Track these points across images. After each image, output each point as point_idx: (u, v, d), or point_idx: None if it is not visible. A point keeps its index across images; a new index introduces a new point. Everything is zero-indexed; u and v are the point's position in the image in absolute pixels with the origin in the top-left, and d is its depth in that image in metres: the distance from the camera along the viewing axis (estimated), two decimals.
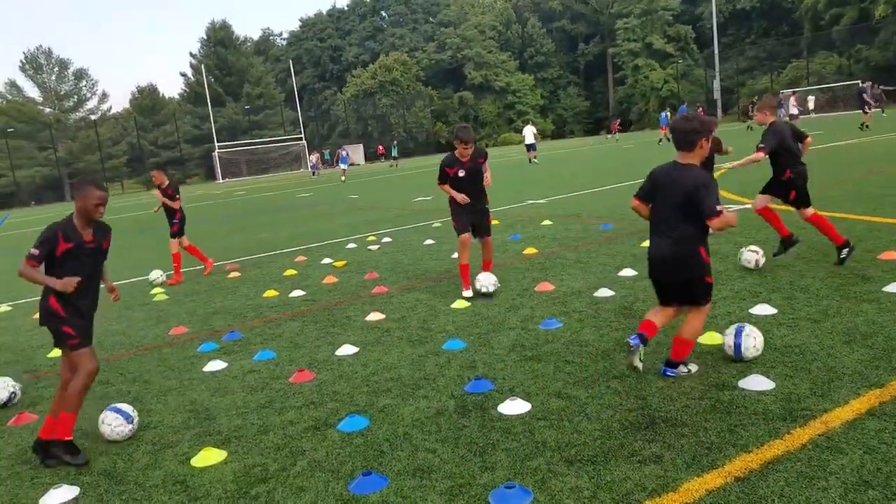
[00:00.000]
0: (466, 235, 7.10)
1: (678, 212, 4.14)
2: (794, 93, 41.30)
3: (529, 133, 33.80)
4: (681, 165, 4.19)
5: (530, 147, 33.04)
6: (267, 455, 3.89)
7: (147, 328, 7.45)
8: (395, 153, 50.83)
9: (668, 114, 41.73)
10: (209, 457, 3.89)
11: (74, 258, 4.16)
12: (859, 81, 36.89)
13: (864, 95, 29.02)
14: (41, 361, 6.57)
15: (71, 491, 3.69)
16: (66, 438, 4.10)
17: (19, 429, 4.79)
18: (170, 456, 4.04)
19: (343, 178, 36.45)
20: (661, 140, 37.41)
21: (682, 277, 4.25)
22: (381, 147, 62.54)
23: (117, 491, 3.67)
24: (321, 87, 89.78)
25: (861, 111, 29.25)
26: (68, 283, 4.05)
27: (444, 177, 7.08)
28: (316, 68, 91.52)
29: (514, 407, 4.09)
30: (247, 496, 3.44)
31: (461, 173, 6.99)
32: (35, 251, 4.08)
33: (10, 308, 9.64)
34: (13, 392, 5.38)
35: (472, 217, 7.14)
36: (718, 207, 3.96)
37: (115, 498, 3.59)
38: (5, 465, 4.20)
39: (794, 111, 34.16)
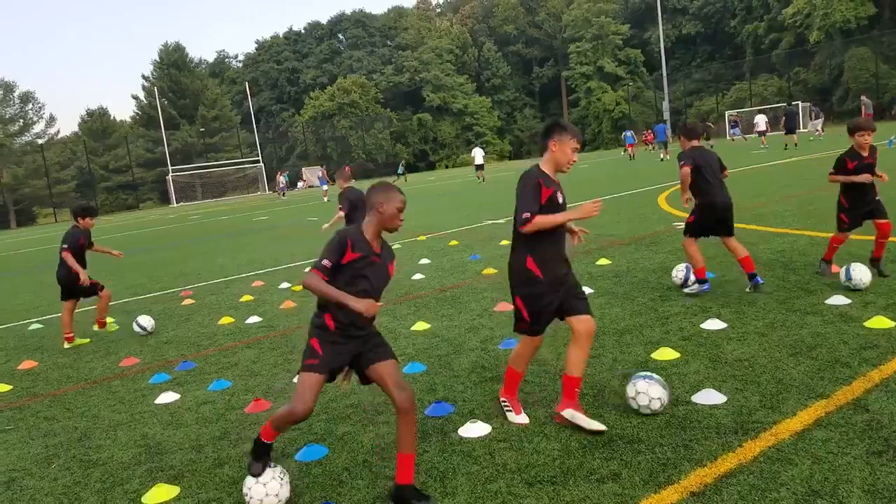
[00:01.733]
0: None
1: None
2: (760, 110, 42.98)
3: (479, 154, 37.19)
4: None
5: (479, 167, 36.26)
6: (222, 489, 3.80)
7: (96, 360, 7.23)
8: (401, 170, 52.22)
9: (632, 133, 43.83)
10: (161, 493, 3.77)
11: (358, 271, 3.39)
12: (785, 104, 38.46)
13: (797, 118, 30.25)
14: None
15: None
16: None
17: None
18: (119, 494, 3.91)
19: (326, 198, 36.54)
20: (630, 155, 38.52)
21: None
22: (347, 167, 62.65)
23: None
24: (279, 109, 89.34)
25: (785, 133, 30.32)
26: (372, 306, 3.25)
27: None
28: (273, 90, 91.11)
29: (474, 430, 4.09)
30: None
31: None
32: (325, 262, 3.30)
33: None
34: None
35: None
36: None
37: None
38: None
39: (763, 128, 35.48)
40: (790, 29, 62.08)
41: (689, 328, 5.60)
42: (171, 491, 3.80)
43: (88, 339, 8.31)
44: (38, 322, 9.92)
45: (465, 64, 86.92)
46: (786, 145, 29.04)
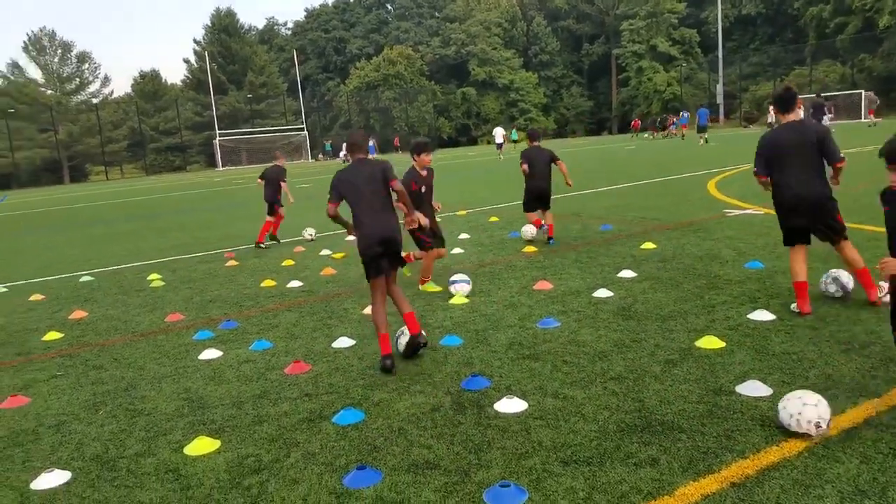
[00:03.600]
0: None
1: None
2: (826, 99, 41.66)
3: (499, 134, 41.79)
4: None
5: (499, 146, 41.11)
6: (261, 446, 3.87)
7: (143, 314, 7.42)
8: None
9: (688, 115, 43.73)
10: (203, 446, 3.87)
11: None
12: (815, 94, 37.27)
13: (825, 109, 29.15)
14: (35, 344, 6.54)
15: (62, 476, 3.67)
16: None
17: (11, 412, 4.76)
18: (163, 444, 4.02)
19: None
20: (673, 137, 37.86)
21: None
22: (397, 139, 62.83)
23: (109, 477, 3.65)
24: (324, 78, 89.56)
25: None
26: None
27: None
28: (320, 59, 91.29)
29: (510, 405, 4.08)
30: (239, 486, 3.42)
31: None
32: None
33: (5, 289, 9.59)
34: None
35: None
36: None
37: (107, 484, 3.57)
38: None
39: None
40: (858, 13, 59.39)
41: (735, 318, 5.47)
42: (213, 444, 3.89)
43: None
44: (88, 275, 10.20)
45: (513, 38, 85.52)
46: None
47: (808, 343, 4.75)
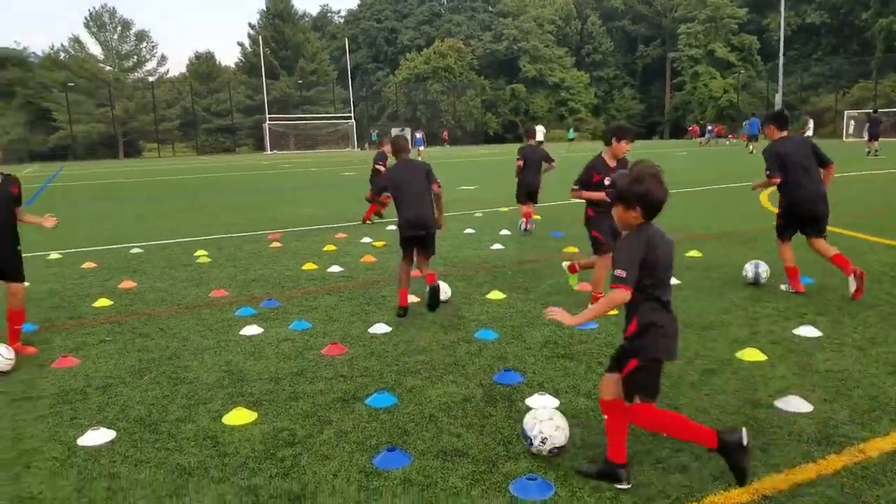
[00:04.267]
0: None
1: None
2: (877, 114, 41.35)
3: (540, 132, 42.37)
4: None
5: (539, 143, 41.41)
6: (295, 421, 3.96)
7: (189, 288, 7.62)
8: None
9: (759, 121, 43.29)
10: (240, 416, 3.98)
11: None
12: (871, 110, 37.14)
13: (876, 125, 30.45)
14: (86, 310, 6.78)
15: (107, 434, 3.82)
16: None
17: (62, 371, 4.96)
18: (203, 412, 4.14)
19: (419, 156, 38.12)
20: (750, 149, 36.98)
21: None
22: (445, 133, 62.90)
23: (151, 439, 3.78)
24: (374, 68, 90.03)
25: (868, 140, 30.65)
26: None
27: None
28: (370, 49, 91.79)
29: (541, 401, 4.09)
30: (273, 458, 3.51)
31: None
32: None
33: (59, 256, 9.94)
34: None
35: None
36: None
37: (149, 446, 3.70)
38: (47, 404, 4.36)
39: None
40: None
41: (779, 332, 5.37)
42: (250, 416, 4.00)
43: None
44: (138, 247, 10.51)
45: (566, 36, 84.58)
46: (868, 151, 29.25)
47: (854, 362, 4.64)
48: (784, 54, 63.24)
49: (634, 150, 7.14)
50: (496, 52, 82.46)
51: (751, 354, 4.81)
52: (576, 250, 9.09)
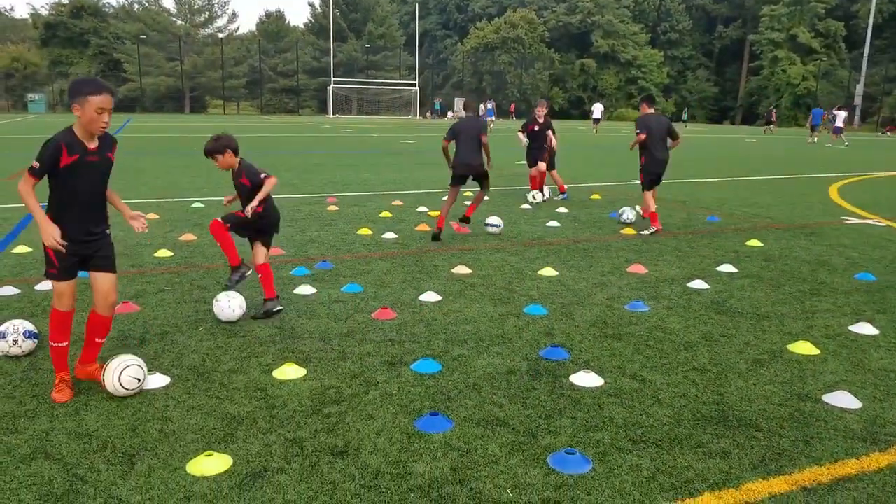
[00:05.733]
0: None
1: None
2: (841, 107, 40.79)
3: (598, 109, 44.03)
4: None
5: (596, 121, 43.49)
6: (342, 380, 4.09)
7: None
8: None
9: (824, 112, 42.36)
10: (290, 372, 4.13)
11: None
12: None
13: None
14: (147, 259, 7.08)
15: (162, 379, 4.01)
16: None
17: (122, 316, 5.20)
18: (254, 365, 4.31)
19: (491, 126, 39.59)
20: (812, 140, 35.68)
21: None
22: (513, 106, 62.33)
23: (203, 387, 3.96)
24: (443, 35, 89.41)
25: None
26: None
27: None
28: (441, 15, 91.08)
29: (586, 379, 4.10)
30: (320, 413, 3.64)
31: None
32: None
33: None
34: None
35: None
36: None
37: (202, 393, 3.88)
38: (108, 347, 4.59)
39: (840, 124, 34.96)
40: None
41: (835, 327, 5.22)
42: (299, 371, 4.15)
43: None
44: (200, 201, 10.85)
45: (643, 12, 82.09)
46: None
47: None
48: (871, 43, 60.01)
49: (703, 134, 6.93)
50: (569, 25, 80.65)
51: (803, 347, 4.70)
52: (633, 232, 8.97)
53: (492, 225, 8.73)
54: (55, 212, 3.64)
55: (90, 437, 3.34)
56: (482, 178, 8.38)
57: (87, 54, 68.96)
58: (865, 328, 5.13)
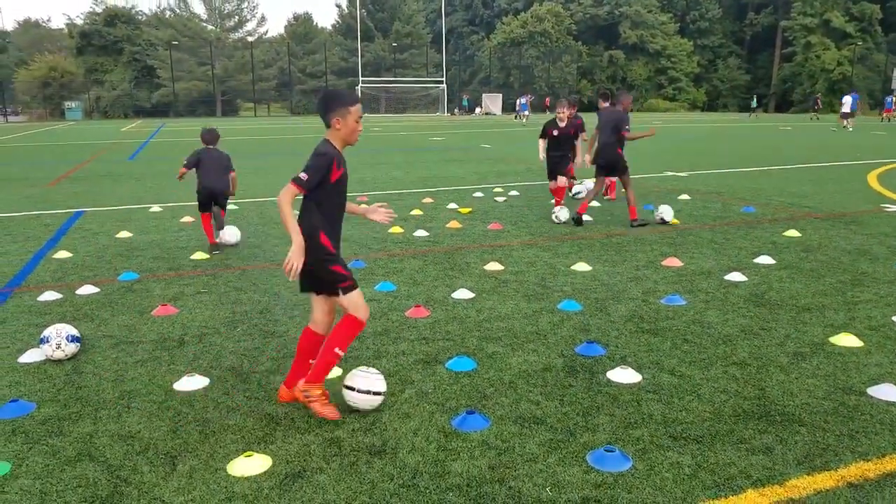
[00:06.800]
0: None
1: None
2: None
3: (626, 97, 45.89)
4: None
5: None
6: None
7: (281, 245, 7.93)
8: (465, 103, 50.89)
9: (893, 98, 41.54)
10: None
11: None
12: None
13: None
14: (184, 262, 7.19)
15: (202, 381, 4.07)
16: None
17: (161, 319, 5.30)
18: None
19: (525, 120, 43.99)
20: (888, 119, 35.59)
21: None
22: (547, 100, 62.02)
23: (242, 388, 4.01)
24: (469, 32, 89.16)
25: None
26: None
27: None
28: (467, 11, 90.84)
29: (623, 375, 4.06)
30: (357, 413, 3.65)
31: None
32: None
33: (160, 209, 10.54)
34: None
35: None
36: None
37: (240, 394, 3.93)
38: (147, 349, 4.68)
39: (847, 110, 34.53)
40: None
41: (879, 318, 5.08)
42: (335, 371, 4.16)
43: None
44: (233, 203, 10.99)
45: (671, 1, 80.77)
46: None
47: None
48: None
49: (735, 123, 6.79)
50: (596, 17, 79.77)
51: (846, 340, 4.58)
52: (676, 221, 8.85)
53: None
54: (325, 227, 3.56)
55: (133, 439, 3.41)
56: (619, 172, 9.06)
57: (121, 61, 70.33)
58: None
